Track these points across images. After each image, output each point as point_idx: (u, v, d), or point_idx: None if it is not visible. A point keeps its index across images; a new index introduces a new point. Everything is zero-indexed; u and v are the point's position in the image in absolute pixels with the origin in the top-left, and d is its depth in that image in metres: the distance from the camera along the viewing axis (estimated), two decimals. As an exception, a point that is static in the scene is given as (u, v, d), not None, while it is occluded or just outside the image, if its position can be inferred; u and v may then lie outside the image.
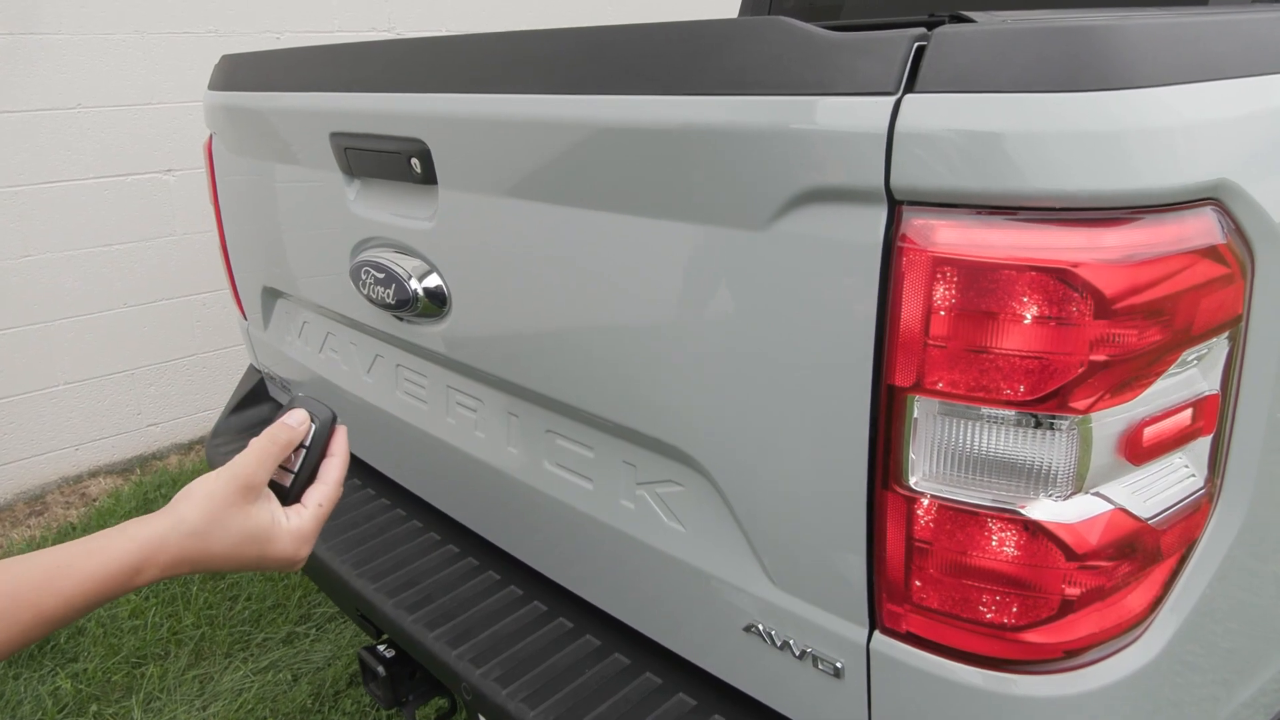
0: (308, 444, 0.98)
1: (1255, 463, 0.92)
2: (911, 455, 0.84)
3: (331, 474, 0.98)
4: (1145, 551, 0.85)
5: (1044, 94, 0.74)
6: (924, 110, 0.77)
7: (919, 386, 0.82)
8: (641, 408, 1.13)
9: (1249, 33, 0.96)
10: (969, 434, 0.81)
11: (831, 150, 0.83)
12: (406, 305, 1.42)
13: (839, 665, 0.99)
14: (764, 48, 0.90)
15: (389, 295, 1.44)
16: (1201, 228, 0.79)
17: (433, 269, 1.40)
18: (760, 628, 1.08)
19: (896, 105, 0.79)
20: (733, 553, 1.10)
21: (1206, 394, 0.86)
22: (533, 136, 1.15)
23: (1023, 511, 0.81)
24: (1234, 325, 0.85)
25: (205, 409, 3.77)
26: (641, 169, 1.02)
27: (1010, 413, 0.79)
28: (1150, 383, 0.79)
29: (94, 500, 3.43)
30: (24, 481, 3.42)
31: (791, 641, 1.05)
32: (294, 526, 0.91)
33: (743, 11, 2.91)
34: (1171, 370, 0.81)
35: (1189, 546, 0.90)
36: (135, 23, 3.32)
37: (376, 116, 1.39)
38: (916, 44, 0.79)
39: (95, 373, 3.51)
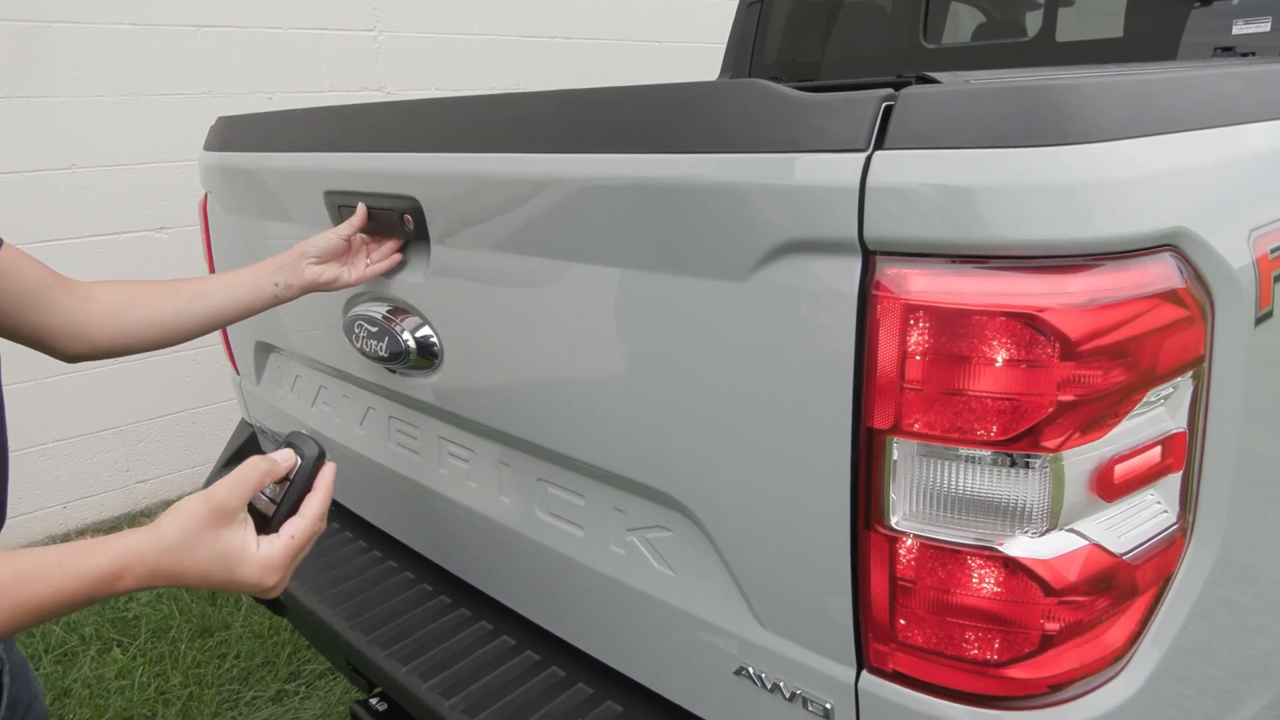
0: (293, 478, 1.01)
1: (1226, 498, 0.95)
2: (892, 496, 0.87)
3: (311, 508, 1.01)
4: (1122, 586, 0.87)
5: (1006, 149, 0.78)
6: (893, 166, 0.81)
7: (897, 429, 0.85)
8: (631, 455, 1.16)
9: (1204, 87, 1.02)
10: (946, 474, 0.84)
11: (808, 204, 0.87)
12: (399, 358, 1.45)
13: (828, 706, 1.01)
14: (743, 109, 0.94)
15: (381, 348, 1.46)
16: (1160, 273, 0.83)
17: (425, 322, 1.43)
18: (750, 670, 1.09)
19: (867, 161, 0.83)
20: (722, 596, 1.11)
21: (1174, 432, 0.89)
22: (521, 194, 1.19)
23: (1001, 549, 0.83)
24: (1197, 365, 0.89)
25: (194, 465, 3.75)
26: (626, 224, 1.05)
27: (985, 452, 0.82)
28: (1118, 421, 0.83)
29: (81, 559, 3.40)
30: (11, 540, 3.39)
31: (781, 683, 1.06)
32: (263, 554, 0.94)
33: (724, 71, 2.99)
34: (1138, 409, 0.85)
35: (1165, 581, 0.92)
36: (130, 85, 3.38)
37: (369, 175, 1.43)
38: (885, 104, 0.84)
39: (84, 430, 3.51)
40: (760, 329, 0.93)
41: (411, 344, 1.43)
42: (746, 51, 2.96)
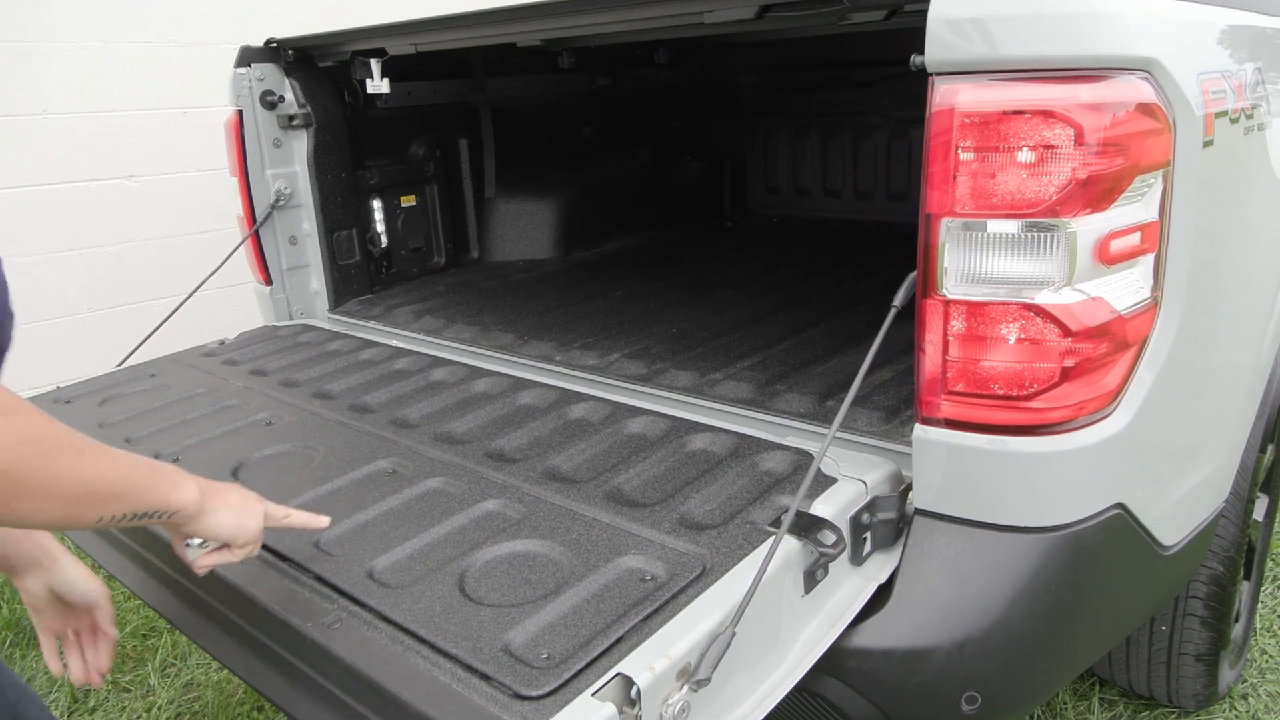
0: None
1: (1184, 280, 1.22)
2: (946, 267, 1.11)
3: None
4: (1116, 337, 1.13)
5: (1033, -13, 1.03)
6: (947, 3, 1.05)
7: (950, 211, 1.09)
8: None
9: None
10: (988, 244, 1.09)
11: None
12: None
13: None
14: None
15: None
16: (1141, 89, 1.09)
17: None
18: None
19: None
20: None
21: (1150, 221, 1.15)
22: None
23: (1032, 300, 1.09)
24: (1165, 168, 1.15)
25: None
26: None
27: (1019, 223, 1.07)
28: (1114, 199, 1.08)
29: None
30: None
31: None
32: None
33: None
34: (1126, 196, 1.11)
35: (1144, 340, 1.19)
36: (100, 32, 3.40)
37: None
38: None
39: (53, 380, 3.52)
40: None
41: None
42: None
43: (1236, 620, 1.94)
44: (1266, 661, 2.16)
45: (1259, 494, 1.94)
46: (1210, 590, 1.69)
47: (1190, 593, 1.69)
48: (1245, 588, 2.00)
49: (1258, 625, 2.26)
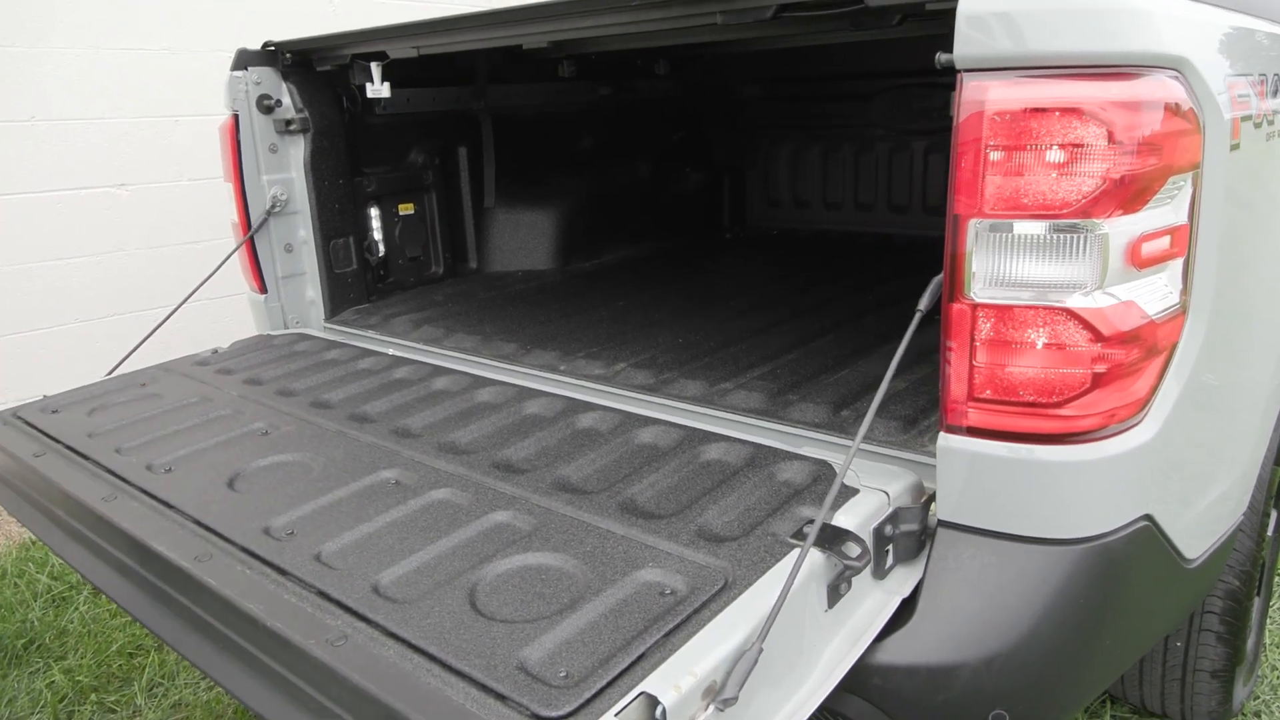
0: None
1: (1210, 287, 1.19)
2: (974, 270, 1.08)
3: None
4: (1147, 343, 1.10)
5: (1064, -18, 1.00)
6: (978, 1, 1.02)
7: (978, 212, 1.05)
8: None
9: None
10: (1018, 246, 1.05)
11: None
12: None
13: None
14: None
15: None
16: (1173, 89, 1.06)
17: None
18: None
19: (953, -3, 1.03)
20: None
21: (1179, 224, 1.12)
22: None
23: (1062, 304, 1.05)
24: (1195, 170, 1.12)
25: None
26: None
27: (1050, 224, 1.03)
28: (1147, 201, 1.05)
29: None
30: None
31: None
32: None
33: None
34: (1157, 198, 1.08)
35: (1173, 347, 1.16)
36: (91, 39, 3.36)
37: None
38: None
39: (41, 391, 3.45)
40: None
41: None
42: None
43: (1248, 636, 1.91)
44: (1278, 678, 2.12)
45: (1273, 508, 1.92)
46: (1226, 605, 1.66)
47: (1207, 608, 1.65)
48: (1256, 603, 1.97)
49: (1268, 641, 2.23)
